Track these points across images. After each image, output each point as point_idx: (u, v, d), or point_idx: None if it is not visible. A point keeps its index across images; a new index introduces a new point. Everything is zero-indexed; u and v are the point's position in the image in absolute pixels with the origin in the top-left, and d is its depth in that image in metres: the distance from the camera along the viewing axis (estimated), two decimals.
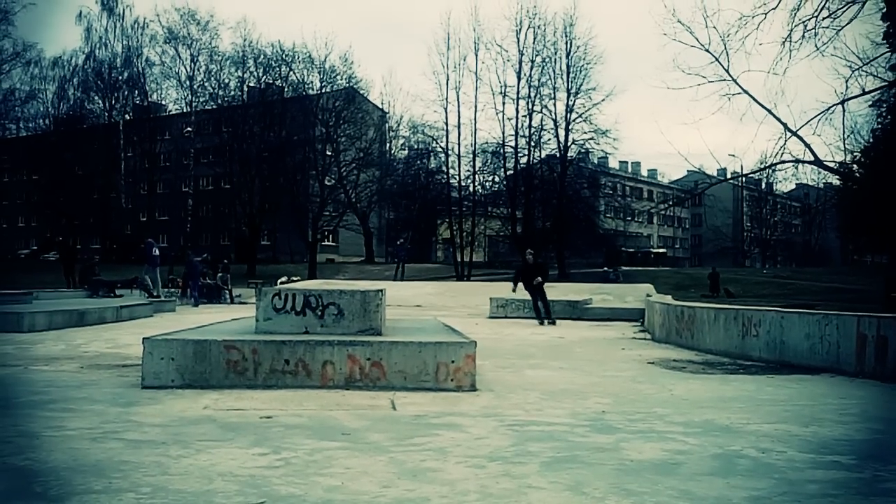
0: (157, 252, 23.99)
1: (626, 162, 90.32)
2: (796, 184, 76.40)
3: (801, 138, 22.25)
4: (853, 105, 22.45)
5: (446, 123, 53.36)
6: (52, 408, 5.71)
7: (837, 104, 21.40)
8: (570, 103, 51.41)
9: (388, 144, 60.56)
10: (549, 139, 52.94)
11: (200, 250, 56.37)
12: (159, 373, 6.70)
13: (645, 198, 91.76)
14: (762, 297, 34.09)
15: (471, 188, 54.88)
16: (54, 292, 21.96)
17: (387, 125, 60.22)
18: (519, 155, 52.72)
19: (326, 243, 62.48)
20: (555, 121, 52.21)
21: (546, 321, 16.87)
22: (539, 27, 51.95)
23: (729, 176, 50.81)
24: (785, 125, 22.24)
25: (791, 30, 20.51)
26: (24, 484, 3.63)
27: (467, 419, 5.45)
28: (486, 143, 53.72)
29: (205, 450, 4.34)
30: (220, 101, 58.22)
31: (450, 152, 53.90)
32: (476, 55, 53.04)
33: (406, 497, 3.49)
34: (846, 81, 21.11)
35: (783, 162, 23.62)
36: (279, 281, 32.61)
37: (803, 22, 20.35)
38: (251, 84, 57.61)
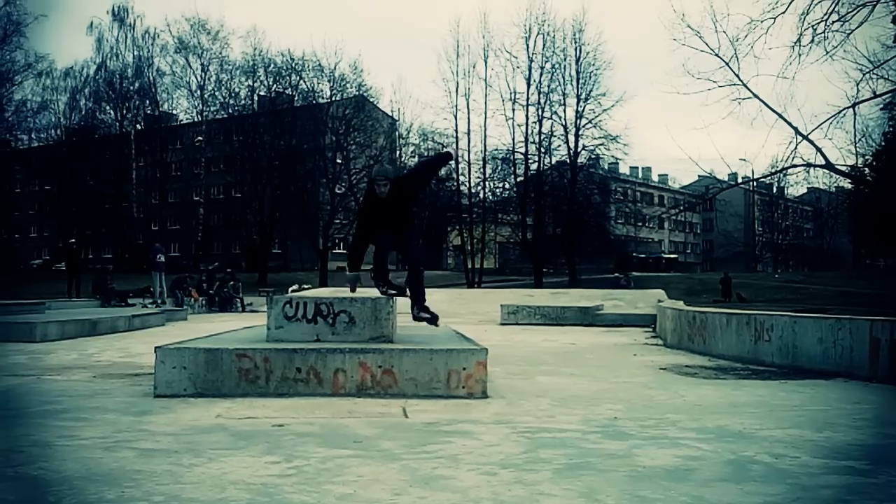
0: (163, 258, 23.96)
1: (637, 167, 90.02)
2: (808, 188, 75.94)
3: (811, 142, 22.13)
4: (864, 108, 22.31)
5: (456, 130, 53.56)
6: (65, 417, 5.73)
7: (848, 107, 21.28)
8: (580, 109, 51.53)
9: (398, 152, 60.58)
10: (559, 145, 53.09)
11: (212, 259, 56.73)
12: (171, 382, 6.72)
13: (656, 203, 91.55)
14: (774, 301, 33.93)
15: (481, 195, 54.97)
16: (66, 302, 22.06)
17: (397, 133, 60.29)
18: (529, 161, 52.87)
19: (337, 251, 62.52)
20: (565, 127, 52.32)
21: (420, 312, 7.91)
22: (548, 33, 52.17)
23: (740, 180, 50.60)
24: (796, 129, 22.14)
25: (800, 34, 20.40)
26: (38, 493, 3.64)
27: (479, 426, 5.44)
28: (496, 149, 53.91)
29: (217, 458, 4.35)
30: (230, 110, 58.52)
31: (460, 159, 54.07)
32: (485, 62, 53.28)
33: None
34: (857, 84, 20.98)
35: (794, 166, 23.47)
36: (290, 289, 32.62)
37: (812, 26, 20.25)
38: (261, 93, 57.88)
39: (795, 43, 20.48)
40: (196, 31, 58.85)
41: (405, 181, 8.01)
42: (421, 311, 7.87)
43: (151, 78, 62.05)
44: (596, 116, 51.39)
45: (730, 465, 4.28)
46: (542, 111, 52.33)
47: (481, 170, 54.37)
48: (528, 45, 51.95)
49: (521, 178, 53.43)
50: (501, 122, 62.72)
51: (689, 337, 12.81)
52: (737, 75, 22.36)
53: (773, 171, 30.91)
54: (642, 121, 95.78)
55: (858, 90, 21.07)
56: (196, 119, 62.57)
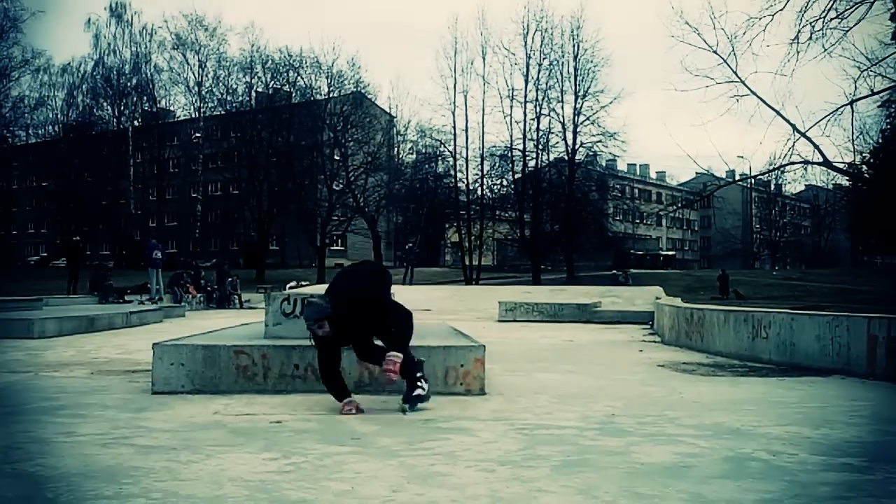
0: (159, 255, 23.91)
1: (635, 164, 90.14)
2: (805, 185, 76.17)
3: (809, 139, 22.19)
4: (862, 105, 22.31)
5: (454, 127, 53.51)
6: (63, 414, 5.73)
7: (846, 105, 21.35)
8: (578, 106, 51.44)
9: (396, 149, 60.54)
10: (557, 142, 53.01)
11: (210, 255, 56.68)
12: (169, 378, 6.72)
13: (654, 200, 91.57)
14: (772, 298, 33.96)
15: (479, 192, 54.97)
16: (64, 298, 22.02)
17: (395, 129, 60.20)
18: (527, 158, 52.77)
19: (335, 248, 62.52)
20: (563, 124, 52.26)
21: (406, 406, 5.95)
22: (546, 30, 52.05)
23: (738, 178, 50.65)
24: (793, 126, 22.21)
25: (798, 31, 20.48)
26: (35, 490, 3.64)
27: (477, 423, 5.44)
28: (494, 146, 53.83)
29: (215, 455, 4.34)
30: (228, 107, 58.45)
31: (458, 156, 54.12)
32: (483, 59, 53.19)
33: (416, 501, 3.48)
34: (854, 82, 21.07)
35: (792, 163, 23.58)
36: (288, 286, 32.65)
37: (811, 23, 20.33)
38: (259, 89, 57.81)
39: (793, 40, 20.56)
40: (193, 28, 58.80)
41: (353, 304, 5.73)
42: (411, 400, 5.97)
43: (149, 74, 62.04)
44: (594, 113, 51.36)
45: (727, 462, 4.28)
46: (540, 108, 52.29)
47: (479, 167, 54.36)
48: (526, 42, 51.88)
49: (519, 175, 53.36)
50: (499, 119, 62.73)
51: (686, 334, 12.81)
52: (735, 72, 22.44)
53: (771, 168, 31.06)
54: (640, 118, 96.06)
55: (856, 87, 21.16)
56: (193, 115, 62.49)
